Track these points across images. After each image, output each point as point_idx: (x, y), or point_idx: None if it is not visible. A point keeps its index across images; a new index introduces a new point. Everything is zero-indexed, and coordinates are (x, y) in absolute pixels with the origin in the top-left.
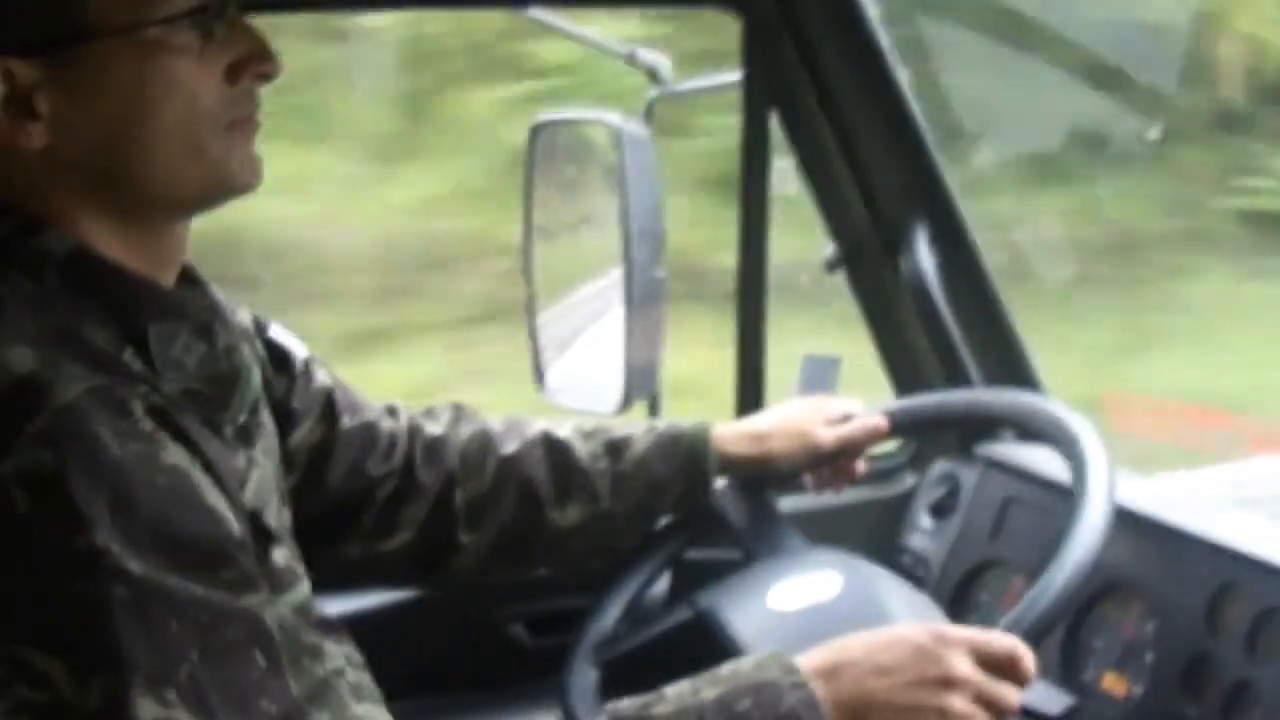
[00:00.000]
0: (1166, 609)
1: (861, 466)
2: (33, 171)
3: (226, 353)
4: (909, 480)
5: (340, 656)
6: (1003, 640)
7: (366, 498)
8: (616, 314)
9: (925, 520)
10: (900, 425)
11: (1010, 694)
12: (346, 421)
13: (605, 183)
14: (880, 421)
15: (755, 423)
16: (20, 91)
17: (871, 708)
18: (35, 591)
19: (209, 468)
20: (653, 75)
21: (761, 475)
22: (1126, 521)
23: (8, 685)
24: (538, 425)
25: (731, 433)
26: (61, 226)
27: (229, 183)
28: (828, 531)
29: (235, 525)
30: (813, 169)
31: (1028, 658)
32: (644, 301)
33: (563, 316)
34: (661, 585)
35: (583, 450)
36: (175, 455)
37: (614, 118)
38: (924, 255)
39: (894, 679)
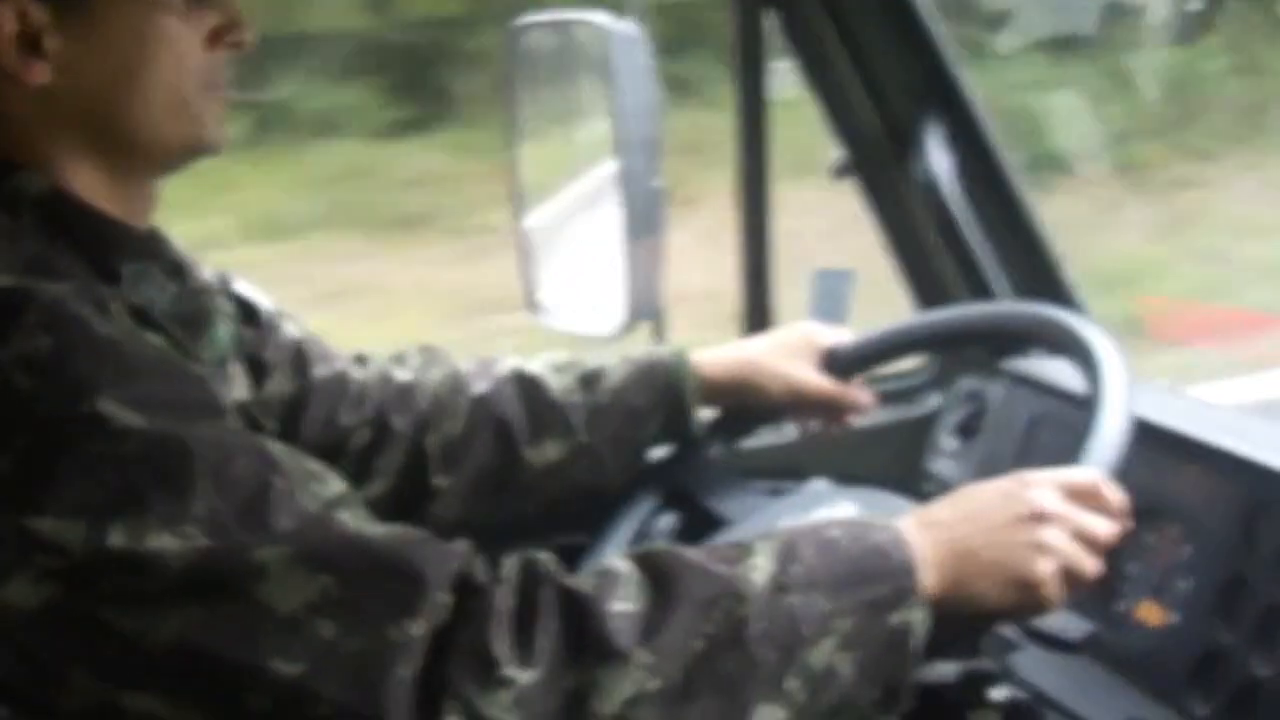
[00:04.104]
0: (1202, 531)
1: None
2: (26, 110)
3: (196, 294)
4: (933, 400)
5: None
6: (1085, 473)
7: (341, 448)
8: (608, 221)
9: (950, 442)
10: (858, 360)
11: (1103, 526)
12: (318, 371)
13: (592, 88)
14: (865, 397)
15: (740, 349)
16: (31, 31)
17: (969, 555)
18: (44, 462)
19: (189, 358)
20: None
21: (744, 405)
22: (1159, 440)
23: (27, 557)
24: (508, 363)
25: (714, 358)
26: (40, 169)
27: (204, 140)
28: (846, 457)
29: (223, 398)
30: (815, 70)
31: (1113, 489)
32: (642, 214)
33: (553, 226)
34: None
35: (556, 385)
36: (158, 341)
37: (601, 18)
38: (939, 157)
39: (986, 522)
